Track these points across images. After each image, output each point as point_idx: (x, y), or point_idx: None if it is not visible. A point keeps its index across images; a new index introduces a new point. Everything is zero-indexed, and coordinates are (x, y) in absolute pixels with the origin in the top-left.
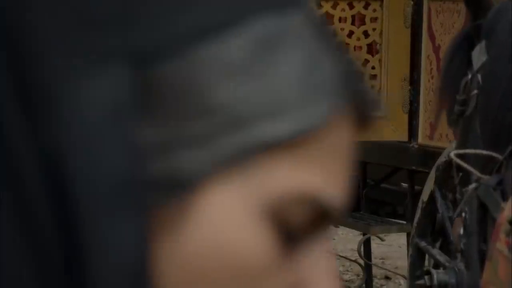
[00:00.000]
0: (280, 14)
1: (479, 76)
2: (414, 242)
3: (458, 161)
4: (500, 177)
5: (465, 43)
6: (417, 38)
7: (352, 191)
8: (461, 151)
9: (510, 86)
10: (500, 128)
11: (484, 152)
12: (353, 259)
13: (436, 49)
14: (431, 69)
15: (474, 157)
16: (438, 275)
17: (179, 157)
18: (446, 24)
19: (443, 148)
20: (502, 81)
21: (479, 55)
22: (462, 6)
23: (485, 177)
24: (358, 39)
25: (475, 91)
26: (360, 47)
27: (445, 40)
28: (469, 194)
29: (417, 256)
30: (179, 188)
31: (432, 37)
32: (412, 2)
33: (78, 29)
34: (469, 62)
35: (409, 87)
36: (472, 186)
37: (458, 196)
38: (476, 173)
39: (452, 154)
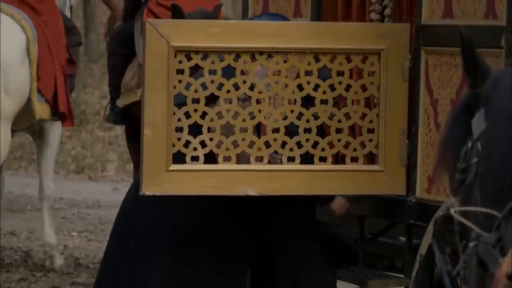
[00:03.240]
0: None
1: (478, 144)
2: None
3: (460, 218)
4: (499, 235)
5: (464, 112)
6: (414, 91)
7: (350, 245)
8: (462, 208)
9: (509, 149)
10: (499, 188)
11: (484, 209)
12: None
13: (434, 103)
14: (429, 122)
15: (474, 216)
16: None
17: None
18: (444, 78)
19: (441, 202)
20: (501, 144)
21: (478, 123)
22: (459, 60)
23: (484, 234)
24: (356, 92)
25: (475, 159)
26: (358, 101)
27: (443, 94)
28: (468, 252)
29: None
30: None
31: (429, 90)
32: (409, 56)
33: None
34: (469, 131)
35: (407, 140)
36: (472, 243)
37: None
38: (476, 229)
39: (452, 211)
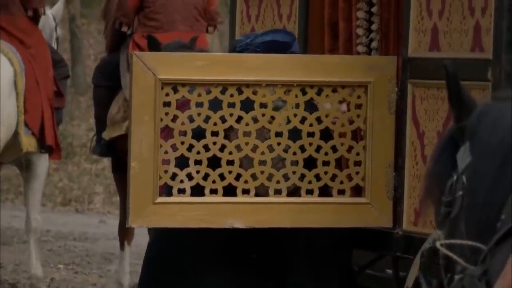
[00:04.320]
0: None
1: (464, 178)
2: None
3: (445, 251)
4: (485, 268)
5: (450, 145)
6: (401, 124)
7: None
8: (447, 241)
9: (494, 182)
10: (484, 221)
11: (470, 242)
12: None
13: (421, 136)
14: (416, 155)
15: (459, 249)
16: None
17: None
18: (430, 110)
19: (428, 234)
20: (486, 177)
21: (463, 157)
22: (446, 93)
23: (470, 267)
24: (343, 125)
25: (460, 192)
26: (345, 134)
27: (429, 127)
28: (454, 285)
29: None
30: None
31: (416, 123)
32: (396, 89)
33: None
34: (454, 164)
35: (394, 173)
36: (458, 276)
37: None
38: (461, 262)
39: (438, 244)
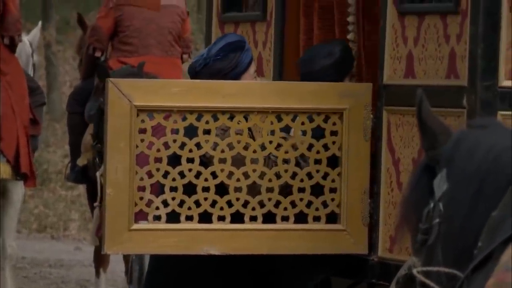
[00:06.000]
0: None
1: (440, 205)
2: None
3: (422, 278)
4: None
5: (426, 172)
6: (376, 151)
7: None
8: (424, 268)
9: (471, 209)
10: (461, 248)
11: (446, 269)
12: None
13: (396, 162)
14: (391, 182)
15: (436, 276)
16: None
17: None
18: (406, 137)
19: (403, 261)
20: (463, 204)
21: (440, 184)
22: None
23: None
24: (318, 152)
25: (437, 220)
26: (320, 160)
27: (405, 153)
28: None
29: None
30: None
31: (391, 150)
32: (371, 116)
33: None
34: (431, 191)
35: (369, 200)
36: None
37: None
38: None
39: (414, 271)
